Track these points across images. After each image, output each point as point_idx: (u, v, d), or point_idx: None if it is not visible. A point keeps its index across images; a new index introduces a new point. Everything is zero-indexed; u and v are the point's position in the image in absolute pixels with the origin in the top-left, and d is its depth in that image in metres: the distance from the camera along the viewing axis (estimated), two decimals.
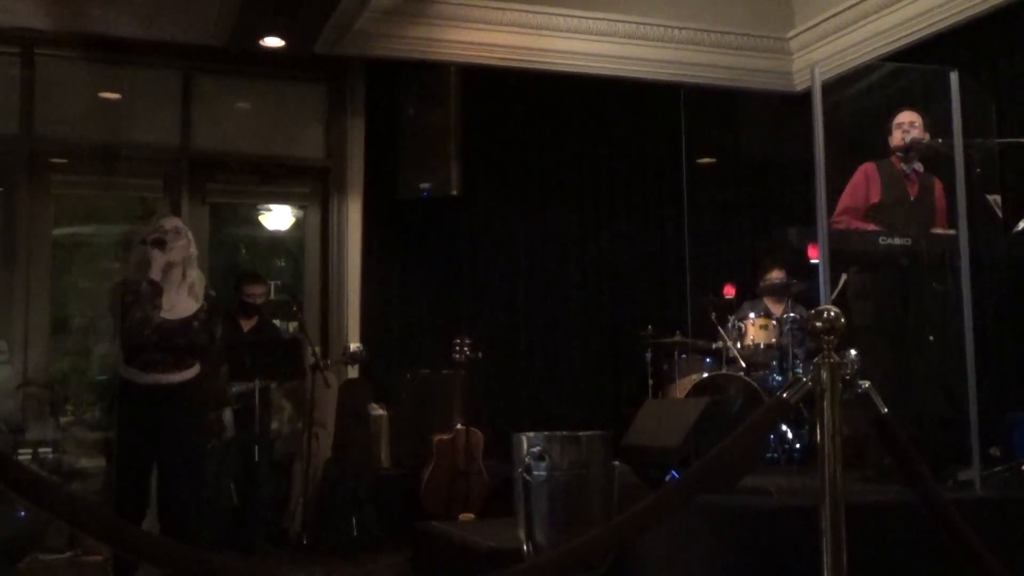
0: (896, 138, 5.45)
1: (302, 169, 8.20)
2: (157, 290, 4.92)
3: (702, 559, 4.41)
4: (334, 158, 8.08)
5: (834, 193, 5.34)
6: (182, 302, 5.00)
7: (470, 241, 8.31)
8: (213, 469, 6.44)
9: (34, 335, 7.23)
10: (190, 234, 5.18)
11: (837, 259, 4.87)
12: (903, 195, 5.45)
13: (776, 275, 7.46)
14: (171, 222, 5.17)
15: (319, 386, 6.87)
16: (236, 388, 6.45)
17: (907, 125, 5.41)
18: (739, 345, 7.10)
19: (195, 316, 5.01)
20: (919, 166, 5.49)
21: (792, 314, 6.98)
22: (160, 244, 4.96)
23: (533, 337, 8.38)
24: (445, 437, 7.02)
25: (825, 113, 4.62)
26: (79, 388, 7.58)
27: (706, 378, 6.92)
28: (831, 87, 5.95)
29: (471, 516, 6.73)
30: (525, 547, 3.81)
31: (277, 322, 7.44)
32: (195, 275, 5.09)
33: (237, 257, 8.42)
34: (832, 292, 4.84)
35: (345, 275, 7.92)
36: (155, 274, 4.94)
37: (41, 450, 6.67)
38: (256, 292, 6.86)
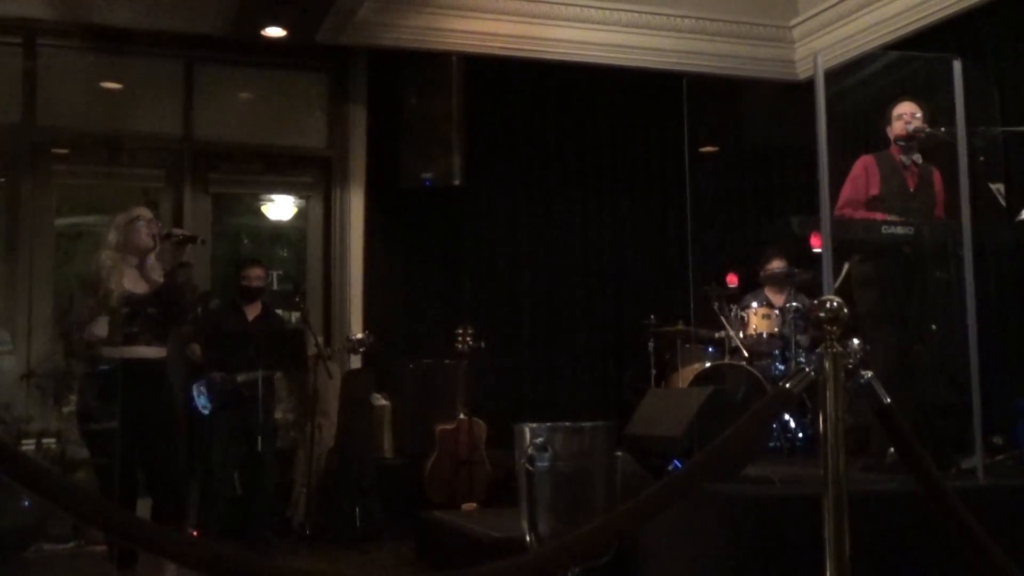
0: (897, 128, 5.43)
1: (304, 159, 8.19)
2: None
3: (705, 548, 4.42)
4: (336, 148, 8.08)
5: (837, 182, 5.33)
6: (147, 279, 5.09)
7: (473, 231, 8.31)
8: (217, 459, 6.45)
9: (37, 325, 7.24)
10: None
11: (840, 248, 4.86)
12: (903, 186, 5.43)
13: (776, 264, 7.45)
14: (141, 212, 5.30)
15: (322, 376, 6.88)
16: (240, 377, 6.45)
17: (908, 116, 5.39)
18: (742, 334, 7.09)
19: (159, 290, 5.10)
20: (918, 157, 5.47)
21: (794, 303, 6.98)
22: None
23: (536, 327, 8.38)
24: (448, 427, 7.03)
25: (828, 101, 4.60)
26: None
27: (709, 367, 6.93)
28: (834, 75, 5.94)
29: (474, 506, 6.75)
30: (528, 537, 3.81)
31: (280, 312, 7.44)
32: (153, 261, 5.20)
33: (239, 247, 8.42)
34: (835, 281, 4.83)
35: (348, 265, 7.92)
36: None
37: (44, 440, 6.68)
38: (253, 275, 6.82)
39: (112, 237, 5.12)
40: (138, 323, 5.01)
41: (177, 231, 5.27)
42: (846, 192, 5.44)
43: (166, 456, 5.13)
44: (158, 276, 5.11)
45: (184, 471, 5.54)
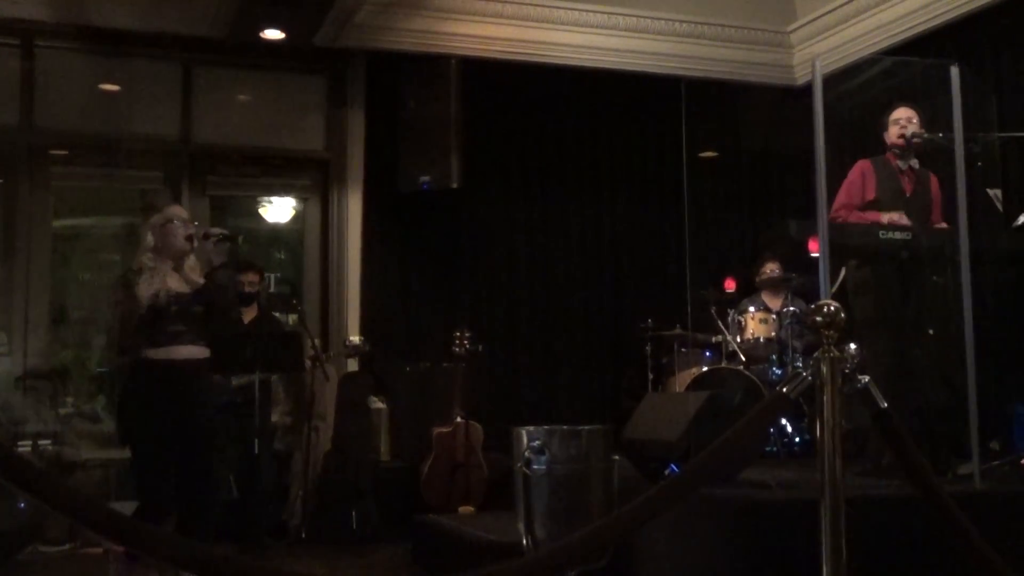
0: (893, 133, 5.43)
1: (302, 161, 8.19)
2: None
3: (702, 552, 4.42)
4: (334, 150, 8.07)
5: (834, 187, 5.33)
6: (188, 280, 5.04)
7: (470, 234, 8.31)
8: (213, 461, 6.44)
9: (34, 327, 7.24)
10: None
11: (837, 253, 4.86)
12: (898, 191, 5.44)
13: (770, 269, 7.47)
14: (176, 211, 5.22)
15: (319, 379, 6.87)
16: (236, 380, 6.44)
17: (904, 121, 5.40)
18: (739, 339, 7.10)
19: (202, 290, 5.05)
20: (915, 162, 5.48)
21: (791, 308, 6.98)
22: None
23: (533, 330, 8.37)
24: (445, 430, 7.03)
25: (826, 107, 4.61)
26: (79, 380, 7.59)
27: (706, 372, 6.93)
28: (832, 80, 5.95)
29: (470, 509, 6.74)
30: (524, 541, 3.81)
31: (277, 314, 7.43)
32: (193, 262, 5.14)
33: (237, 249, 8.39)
34: (832, 286, 4.84)
35: (345, 268, 7.92)
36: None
37: (41, 442, 6.67)
38: (245, 280, 6.77)
39: (149, 240, 5.00)
40: (185, 321, 4.95)
41: (215, 230, 5.15)
42: (842, 196, 5.45)
43: (206, 460, 5.08)
44: (198, 277, 5.03)
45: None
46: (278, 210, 8.54)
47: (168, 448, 4.94)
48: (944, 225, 5.39)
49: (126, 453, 5.33)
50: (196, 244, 5.04)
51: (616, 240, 8.69)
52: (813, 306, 2.72)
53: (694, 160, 7.95)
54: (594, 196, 8.68)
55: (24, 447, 6.56)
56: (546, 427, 3.87)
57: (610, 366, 8.48)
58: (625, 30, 8.21)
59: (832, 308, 2.66)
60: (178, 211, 5.16)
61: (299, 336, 6.73)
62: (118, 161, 7.44)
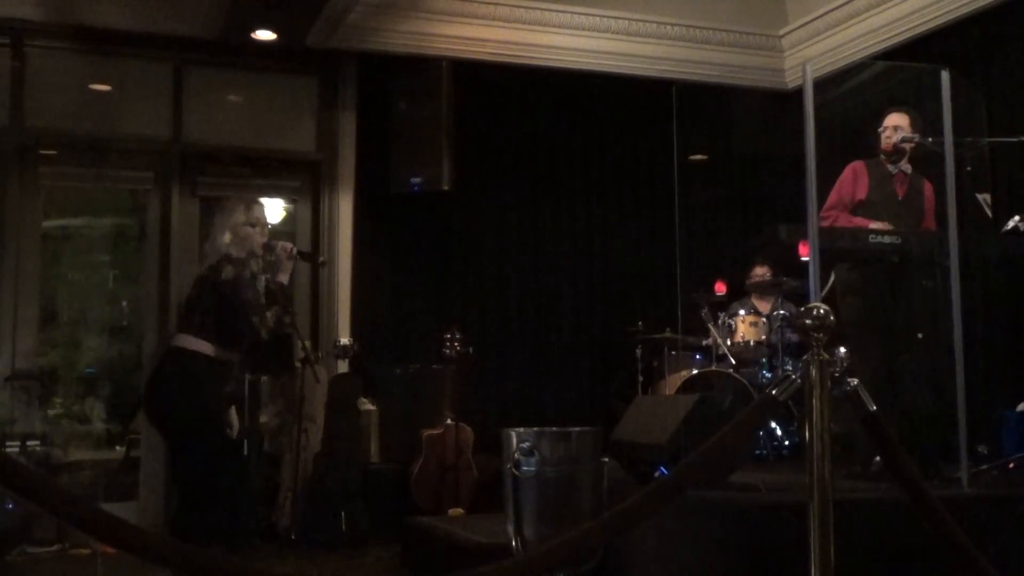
0: (882, 140, 5.48)
1: (293, 162, 8.17)
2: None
3: (690, 555, 4.42)
4: (325, 152, 8.06)
5: (824, 191, 5.35)
6: None
7: (461, 236, 8.31)
8: None
9: (23, 327, 7.20)
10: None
11: (828, 257, 4.88)
12: (891, 194, 5.46)
13: (759, 272, 7.48)
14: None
15: (309, 380, 6.86)
16: None
17: (890, 130, 5.44)
18: (729, 342, 7.11)
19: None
20: (908, 167, 5.50)
21: (781, 311, 7.00)
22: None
23: (524, 332, 8.38)
24: (435, 432, 7.03)
25: (817, 110, 4.62)
26: (68, 381, 7.56)
27: (696, 375, 6.94)
28: (823, 85, 5.96)
29: (460, 511, 6.74)
30: (514, 542, 3.82)
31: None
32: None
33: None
34: (822, 289, 4.85)
35: (335, 269, 7.90)
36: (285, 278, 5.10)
37: (29, 443, 6.65)
38: None
39: (227, 236, 4.97)
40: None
41: (287, 244, 5.23)
42: (833, 195, 5.48)
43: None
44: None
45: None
46: (269, 211, 8.51)
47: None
48: (934, 228, 5.41)
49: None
50: (273, 256, 5.03)
51: (607, 242, 8.69)
52: (802, 309, 2.73)
53: (685, 163, 7.96)
54: (585, 199, 8.69)
55: (12, 448, 6.54)
56: (536, 429, 3.87)
57: (600, 368, 8.49)
58: (617, 33, 8.23)
59: (821, 311, 2.67)
60: (259, 216, 5.12)
61: (288, 337, 6.71)
62: (108, 161, 7.42)
